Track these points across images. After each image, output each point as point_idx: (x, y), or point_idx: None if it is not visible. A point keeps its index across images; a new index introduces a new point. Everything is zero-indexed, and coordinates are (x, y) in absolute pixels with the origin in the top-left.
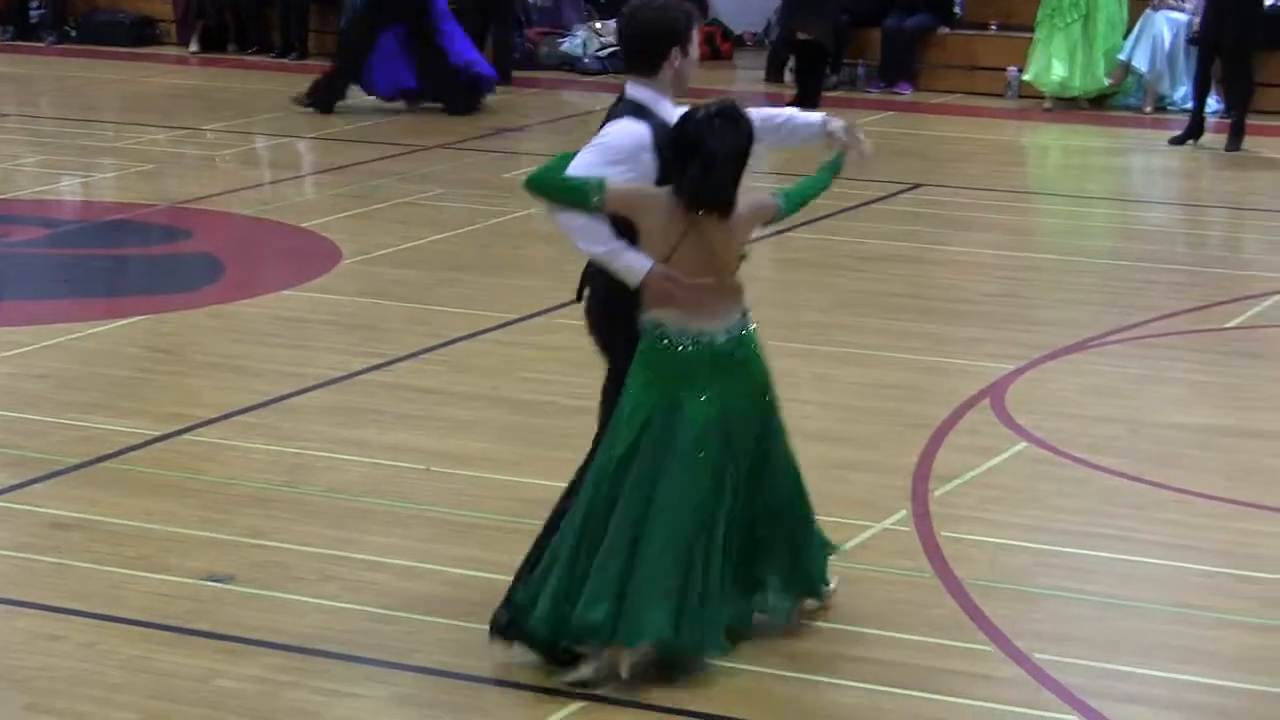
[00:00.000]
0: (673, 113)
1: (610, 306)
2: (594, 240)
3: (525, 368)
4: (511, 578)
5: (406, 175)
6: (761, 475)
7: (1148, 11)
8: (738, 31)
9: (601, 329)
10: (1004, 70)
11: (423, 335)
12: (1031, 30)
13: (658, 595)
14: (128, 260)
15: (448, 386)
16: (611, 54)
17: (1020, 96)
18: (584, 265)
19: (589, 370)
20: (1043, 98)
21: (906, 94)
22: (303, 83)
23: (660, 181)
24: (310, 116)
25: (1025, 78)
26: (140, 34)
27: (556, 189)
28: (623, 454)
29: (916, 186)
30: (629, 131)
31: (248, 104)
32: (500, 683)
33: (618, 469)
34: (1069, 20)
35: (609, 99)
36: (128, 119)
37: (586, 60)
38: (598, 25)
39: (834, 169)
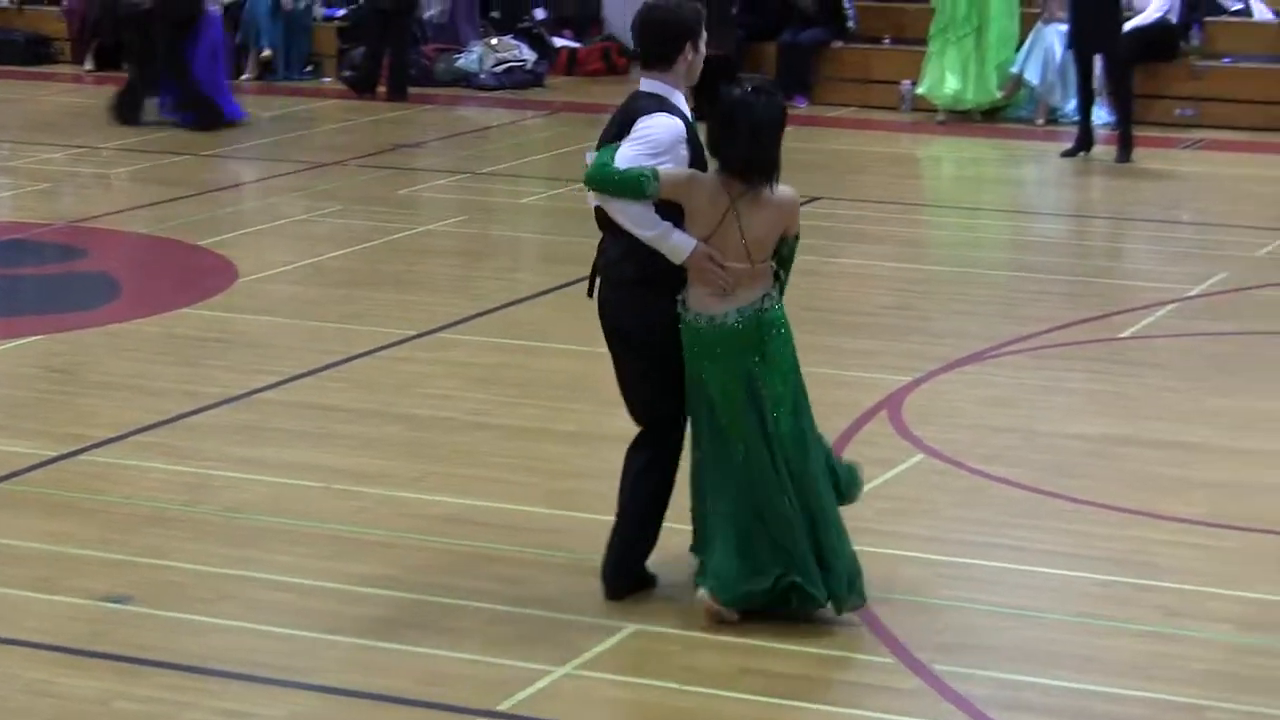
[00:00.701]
0: (684, 104)
1: (638, 292)
2: (645, 225)
3: (424, 384)
4: (414, 594)
5: (303, 192)
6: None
7: (1038, 24)
8: (634, 47)
9: (624, 316)
10: (898, 84)
11: (321, 352)
12: (925, 44)
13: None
14: (24, 280)
15: (347, 404)
16: (507, 70)
17: (914, 109)
18: (594, 259)
19: (488, 386)
20: (936, 111)
21: (802, 107)
22: None
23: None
24: (208, 134)
25: (919, 91)
26: (35, 52)
27: (615, 183)
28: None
29: (813, 200)
30: (669, 126)
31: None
32: (402, 700)
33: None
34: (962, 34)
35: (505, 115)
36: (24, 138)
37: (482, 77)
38: (494, 42)
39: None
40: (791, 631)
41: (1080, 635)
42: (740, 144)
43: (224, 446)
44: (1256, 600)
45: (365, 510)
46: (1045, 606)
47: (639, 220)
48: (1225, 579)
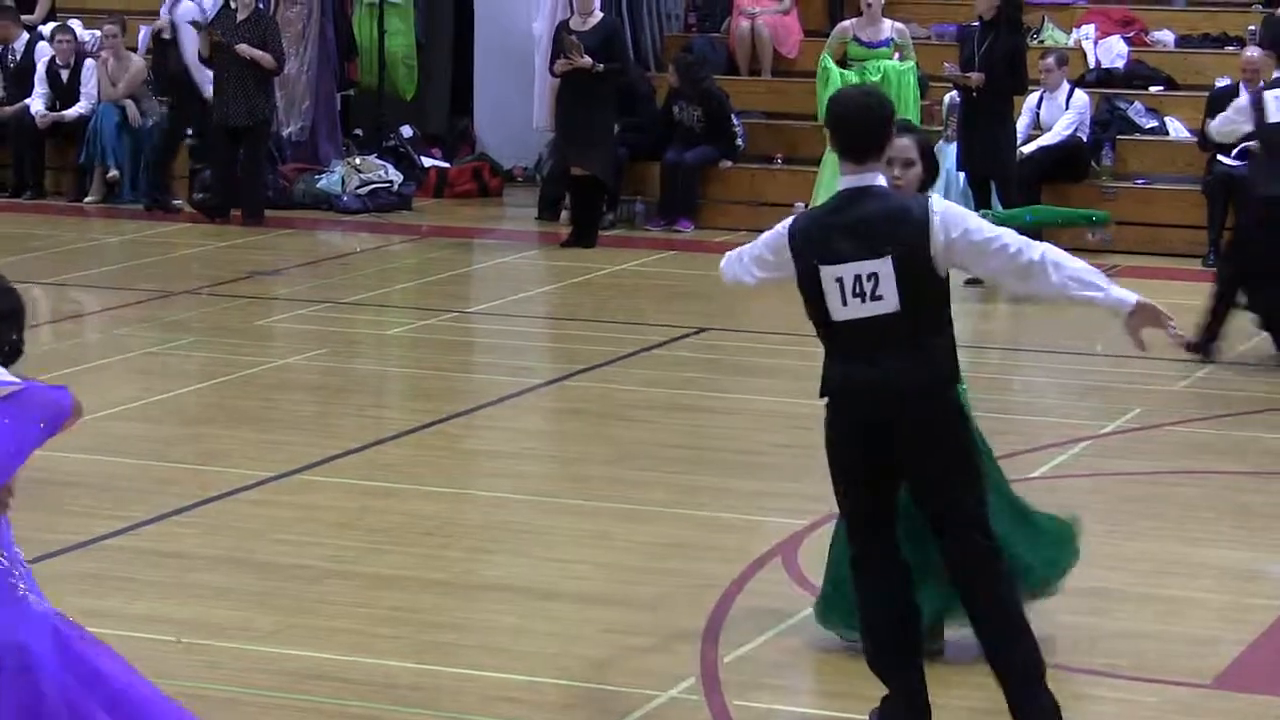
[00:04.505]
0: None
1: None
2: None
3: (281, 529)
4: None
5: (152, 323)
6: None
7: (940, 143)
8: (507, 167)
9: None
10: (791, 205)
11: (171, 496)
12: (818, 164)
13: None
14: None
15: (199, 551)
16: (372, 191)
17: None
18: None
19: (348, 531)
20: None
21: (688, 231)
22: (40, 224)
23: None
24: (48, 260)
25: None
26: None
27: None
28: None
29: (700, 331)
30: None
31: None
32: None
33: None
34: None
35: (370, 239)
36: None
37: (345, 198)
38: (357, 161)
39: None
40: None
41: None
42: None
43: (66, 597)
44: None
45: (218, 665)
46: None
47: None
48: None
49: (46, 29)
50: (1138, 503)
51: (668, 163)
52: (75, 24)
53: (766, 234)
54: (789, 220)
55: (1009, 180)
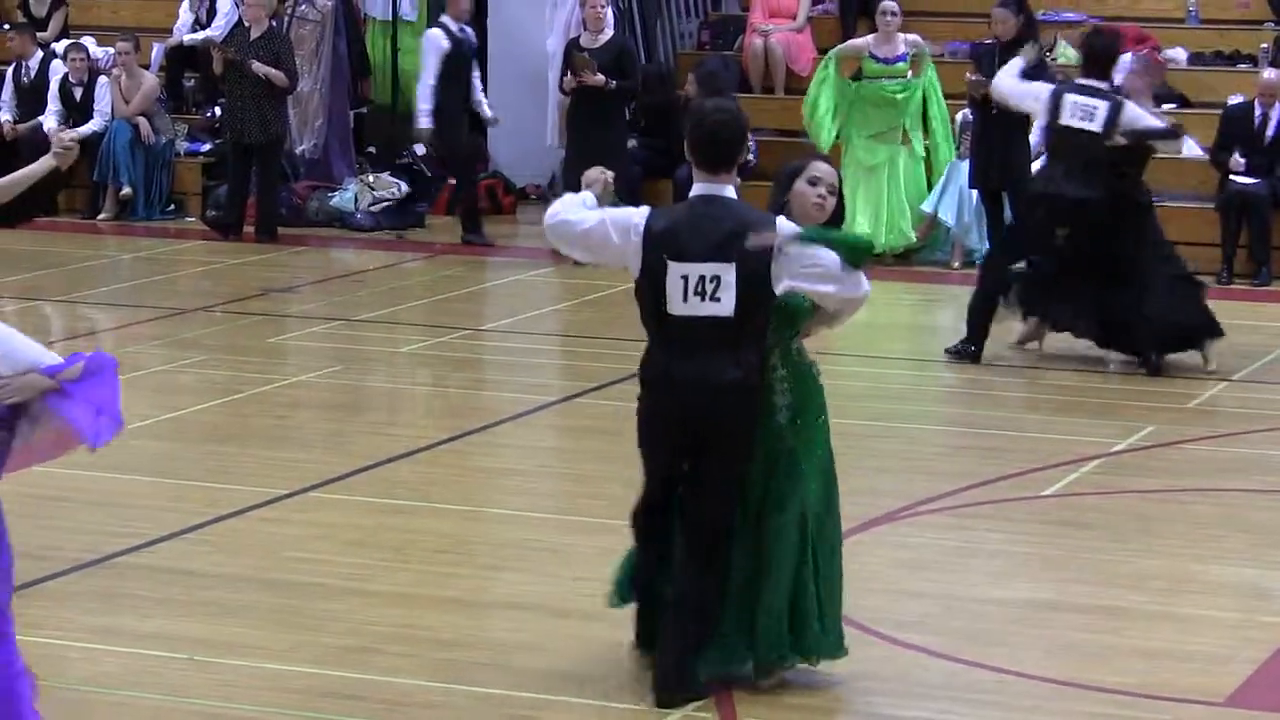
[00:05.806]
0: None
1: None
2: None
3: (294, 547)
4: None
5: (165, 340)
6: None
7: (953, 160)
8: (520, 185)
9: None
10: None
11: (183, 513)
12: None
13: None
14: None
15: (211, 568)
16: (385, 208)
17: None
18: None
19: (360, 549)
20: None
21: None
22: (53, 241)
23: None
24: (60, 278)
25: None
26: None
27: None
28: None
29: None
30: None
31: None
32: None
33: None
34: (870, 171)
35: (384, 257)
36: None
37: (358, 216)
38: (370, 178)
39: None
40: None
41: None
42: None
43: (79, 615)
44: None
45: (231, 684)
46: None
47: None
48: None
49: (60, 46)
50: (1150, 521)
51: (680, 180)
52: (89, 41)
53: (610, 215)
54: (642, 213)
55: (1023, 194)
